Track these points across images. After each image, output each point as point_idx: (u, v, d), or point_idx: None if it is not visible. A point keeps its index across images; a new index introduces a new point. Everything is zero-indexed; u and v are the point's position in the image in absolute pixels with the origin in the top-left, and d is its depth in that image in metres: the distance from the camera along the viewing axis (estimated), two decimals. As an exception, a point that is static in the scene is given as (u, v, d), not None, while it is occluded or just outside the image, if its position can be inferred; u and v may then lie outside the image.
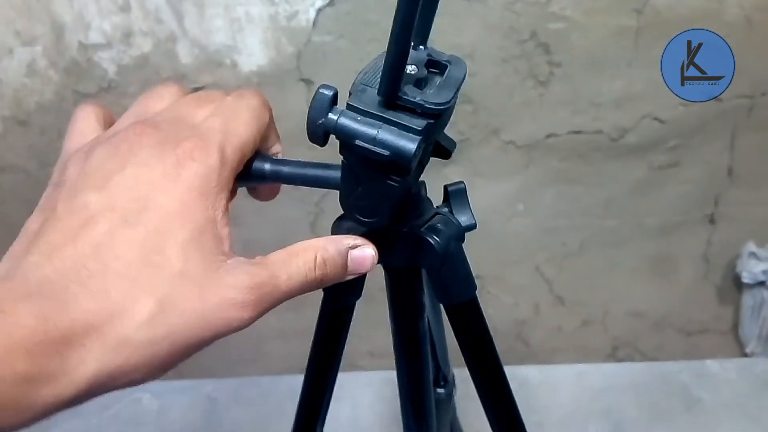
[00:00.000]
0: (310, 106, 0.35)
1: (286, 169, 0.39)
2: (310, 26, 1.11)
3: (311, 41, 1.12)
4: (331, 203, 1.24)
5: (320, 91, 0.35)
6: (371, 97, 0.34)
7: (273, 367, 1.39)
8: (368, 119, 0.34)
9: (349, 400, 1.24)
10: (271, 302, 0.31)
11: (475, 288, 0.47)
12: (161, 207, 0.29)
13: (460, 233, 0.45)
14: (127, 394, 1.30)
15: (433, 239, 0.42)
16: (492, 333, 0.50)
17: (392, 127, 0.34)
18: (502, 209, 1.27)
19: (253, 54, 1.14)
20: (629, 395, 1.30)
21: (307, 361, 0.56)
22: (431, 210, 0.45)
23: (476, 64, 1.12)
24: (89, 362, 0.25)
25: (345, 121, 0.34)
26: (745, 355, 1.35)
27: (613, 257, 1.30)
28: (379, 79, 0.34)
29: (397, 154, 0.33)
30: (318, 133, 0.35)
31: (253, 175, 0.39)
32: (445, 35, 1.09)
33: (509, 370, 0.51)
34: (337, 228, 0.45)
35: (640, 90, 1.12)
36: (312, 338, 0.54)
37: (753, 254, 1.22)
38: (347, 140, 0.34)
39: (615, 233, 1.27)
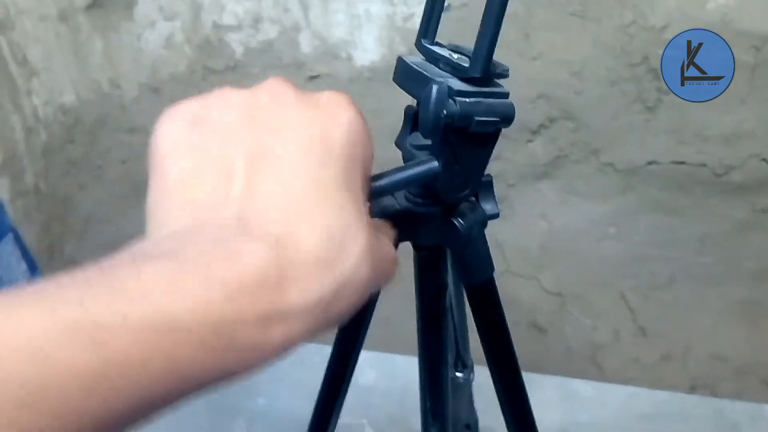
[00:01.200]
0: (430, 101, 0.38)
1: (384, 182, 0.38)
2: (424, 29, 1.15)
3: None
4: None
5: (435, 85, 0.38)
6: (460, 83, 0.39)
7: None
8: (475, 98, 0.39)
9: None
10: None
11: (493, 269, 0.51)
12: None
13: (483, 220, 0.49)
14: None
15: (459, 222, 0.46)
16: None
17: (491, 99, 0.39)
18: (593, 230, 1.26)
19: (368, 50, 1.20)
20: (677, 425, 1.27)
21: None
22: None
23: (583, 82, 1.12)
24: (311, 293, 0.24)
25: (465, 106, 0.38)
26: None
27: (702, 295, 1.26)
28: (438, 72, 0.40)
29: (504, 117, 0.39)
30: (440, 125, 0.39)
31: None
32: (556, 51, 1.11)
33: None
34: (374, 207, 0.47)
35: (750, 128, 1.09)
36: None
37: None
38: (468, 121, 0.39)
39: (708, 271, 1.24)
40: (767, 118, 1.07)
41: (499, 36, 0.39)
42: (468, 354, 0.78)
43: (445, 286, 0.53)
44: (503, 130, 0.41)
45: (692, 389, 1.36)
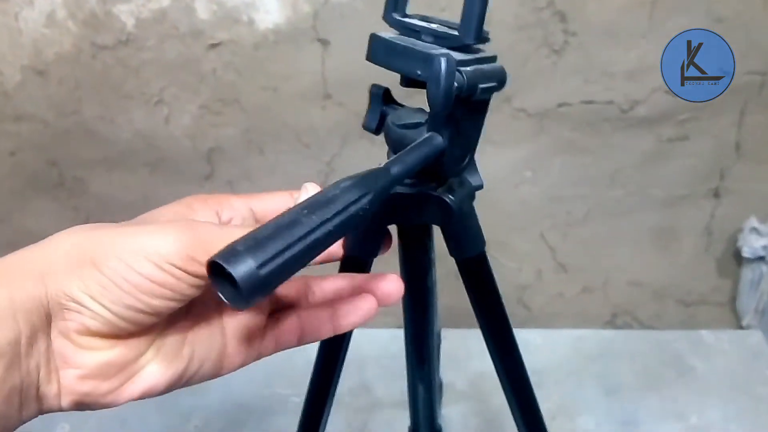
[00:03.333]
0: (441, 76, 0.37)
1: (398, 170, 0.36)
2: (328, -14, 1.12)
3: (329, 1, 1.13)
4: (343, 162, 1.27)
5: (442, 58, 0.37)
6: (457, 53, 0.39)
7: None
8: (473, 66, 0.39)
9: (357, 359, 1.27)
10: None
11: (484, 243, 0.50)
12: None
13: (471, 192, 0.47)
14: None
15: (449, 198, 0.45)
16: None
17: (485, 64, 0.40)
18: (510, 176, 1.29)
19: (270, 12, 1.15)
20: (624, 361, 1.34)
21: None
22: None
23: (492, 30, 1.12)
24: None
25: (470, 75, 0.38)
26: (741, 327, 1.38)
27: (616, 227, 1.32)
28: (428, 45, 0.40)
29: (501, 80, 0.41)
30: (451, 99, 0.37)
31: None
32: (459, 2, 1.10)
33: (515, 332, 0.54)
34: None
35: (653, 62, 1.13)
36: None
37: (755, 229, 1.24)
38: (473, 90, 0.38)
39: (620, 204, 1.29)
40: (667, 52, 1.12)
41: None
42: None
43: (432, 263, 0.52)
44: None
45: (614, 316, 1.43)
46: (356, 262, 0.51)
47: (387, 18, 0.42)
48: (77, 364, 0.31)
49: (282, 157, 1.29)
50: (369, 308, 0.38)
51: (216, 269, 0.27)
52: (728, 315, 1.40)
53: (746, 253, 1.26)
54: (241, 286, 0.26)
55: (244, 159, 1.30)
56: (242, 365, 0.37)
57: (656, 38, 1.10)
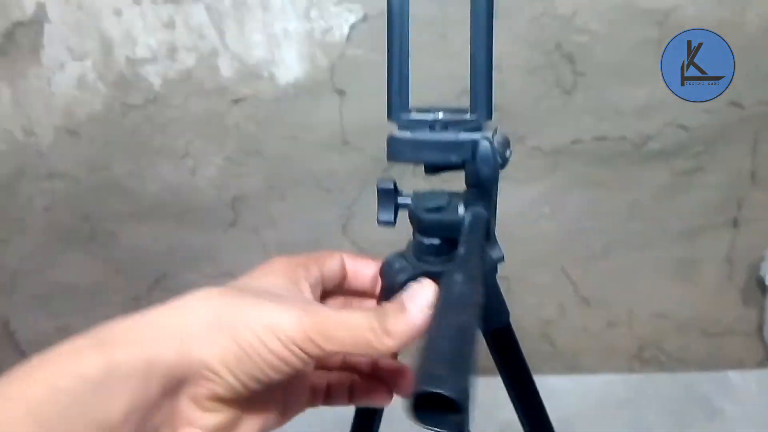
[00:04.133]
0: (490, 157, 0.42)
1: (469, 272, 0.37)
2: (344, 41, 1.17)
3: (345, 55, 1.18)
4: (362, 207, 1.30)
5: (485, 141, 0.42)
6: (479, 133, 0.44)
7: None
8: (495, 140, 0.43)
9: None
10: None
11: (509, 314, 0.52)
12: None
13: (494, 265, 0.49)
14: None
15: None
16: (517, 332, 0.55)
17: (497, 134, 0.44)
18: (529, 212, 1.31)
19: (290, 67, 1.20)
20: (653, 406, 1.34)
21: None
22: None
23: (503, 73, 1.16)
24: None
25: (501, 149, 0.43)
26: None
27: (637, 260, 1.33)
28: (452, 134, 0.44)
29: (509, 142, 0.45)
30: (498, 173, 0.43)
31: None
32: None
33: (538, 379, 0.55)
34: (391, 267, 0.49)
35: (662, 98, 1.16)
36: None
37: (776, 257, 1.25)
38: (505, 160, 0.43)
39: (639, 236, 1.31)
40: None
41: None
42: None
43: None
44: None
45: (640, 349, 1.43)
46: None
47: (395, 118, 0.44)
48: (199, 425, 0.34)
49: (303, 203, 1.32)
50: None
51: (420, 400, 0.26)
52: (755, 344, 1.39)
53: (769, 281, 1.27)
54: (462, 407, 0.25)
55: (266, 206, 1.34)
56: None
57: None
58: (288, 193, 1.32)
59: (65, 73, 1.25)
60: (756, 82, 1.14)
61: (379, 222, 0.48)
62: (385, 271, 0.48)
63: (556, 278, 1.38)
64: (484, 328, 0.52)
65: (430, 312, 0.34)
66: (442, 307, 0.31)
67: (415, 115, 0.45)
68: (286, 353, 0.32)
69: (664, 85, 1.15)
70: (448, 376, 0.26)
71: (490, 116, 0.45)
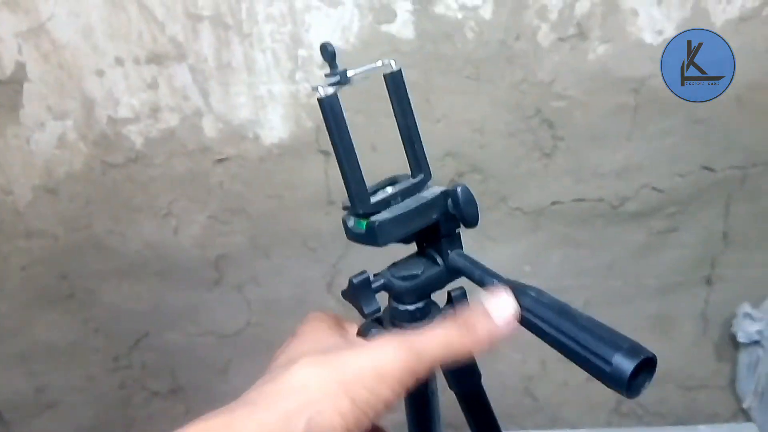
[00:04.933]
0: (472, 198, 0.47)
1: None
2: (329, 103, 1.18)
3: (330, 117, 1.19)
4: (347, 265, 1.30)
5: (459, 187, 0.46)
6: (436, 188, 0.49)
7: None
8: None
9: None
10: None
11: (480, 377, 0.54)
12: None
13: None
14: None
15: None
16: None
17: None
18: (511, 270, 1.33)
19: (275, 128, 1.21)
20: None
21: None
22: (439, 313, 0.52)
23: (485, 137, 1.19)
24: None
25: None
26: (742, 409, 1.41)
27: (616, 316, 1.36)
28: (420, 196, 0.48)
29: None
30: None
31: None
32: (456, 112, 1.17)
33: None
34: (366, 332, 0.51)
35: (638, 161, 1.19)
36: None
37: (748, 315, 1.28)
38: None
39: (617, 293, 1.33)
40: (651, 151, 1.18)
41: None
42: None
43: (434, 394, 0.56)
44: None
45: (619, 403, 1.45)
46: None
47: (357, 213, 0.46)
48: None
49: (288, 261, 1.33)
50: None
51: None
52: (729, 398, 1.42)
53: (741, 338, 1.30)
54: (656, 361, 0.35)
55: (251, 264, 1.33)
56: None
57: (640, 139, 1.17)
58: (273, 251, 1.32)
59: (45, 132, 1.24)
60: (727, 149, 1.18)
61: (367, 315, 0.50)
62: (361, 337, 0.51)
63: (536, 332, 1.40)
64: (457, 390, 0.54)
65: (512, 316, 0.39)
66: (557, 313, 0.40)
67: (375, 200, 0.47)
68: (394, 398, 0.34)
69: (639, 149, 1.19)
70: (636, 344, 0.34)
71: (430, 176, 0.49)
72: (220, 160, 1.24)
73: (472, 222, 0.47)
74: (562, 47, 1.11)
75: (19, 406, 1.46)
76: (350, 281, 0.49)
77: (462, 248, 0.50)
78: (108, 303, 1.37)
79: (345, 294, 0.49)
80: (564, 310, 0.42)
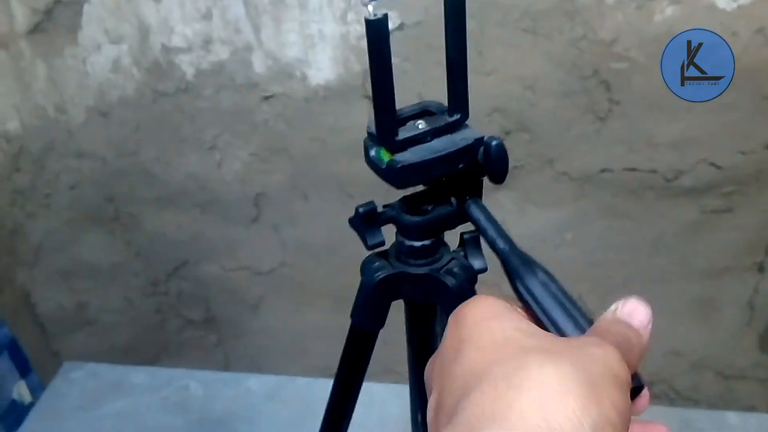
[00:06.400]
0: (504, 151, 0.44)
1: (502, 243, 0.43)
2: (378, 47, 1.15)
3: (379, 61, 1.16)
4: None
5: (494, 141, 0.44)
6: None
7: (313, 367, 1.44)
8: None
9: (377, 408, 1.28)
10: None
11: None
12: None
13: (473, 276, 0.50)
14: (175, 379, 1.38)
15: (450, 281, 0.48)
16: None
17: None
18: (551, 237, 1.29)
19: (323, 69, 1.19)
20: None
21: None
22: (449, 254, 0.50)
23: (537, 95, 1.14)
24: None
25: None
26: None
27: (657, 295, 1.31)
28: (452, 138, 0.46)
29: None
30: None
31: None
32: (509, 66, 1.12)
33: None
34: (370, 265, 0.50)
35: (697, 134, 1.13)
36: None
37: (800, 307, 1.22)
38: None
39: (661, 272, 1.28)
40: (713, 125, 1.11)
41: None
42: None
43: (435, 335, 0.54)
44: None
45: (650, 384, 1.41)
46: (362, 332, 0.54)
47: (388, 146, 0.44)
48: None
49: (325, 206, 1.32)
50: None
51: None
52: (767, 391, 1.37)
53: (790, 330, 1.24)
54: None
55: (289, 205, 1.34)
56: None
57: (701, 111, 1.10)
58: (311, 194, 1.31)
59: (101, 55, 1.25)
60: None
61: (370, 246, 0.49)
62: (364, 269, 0.50)
63: (572, 304, 1.36)
64: None
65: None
66: (560, 303, 0.36)
67: (406, 135, 0.45)
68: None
69: (700, 121, 1.12)
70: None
71: (467, 116, 0.46)
72: (267, 98, 1.23)
73: (498, 179, 0.45)
74: (627, 5, 1.05)
75: (60, 320, 1.52)
76: (356, 210, 0.48)
77: (481, 198, 0.48)
78: (150, 229, 1.40)
79: (351, 222, 0.48)
80: (565, 305, 0.37)
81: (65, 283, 1.48)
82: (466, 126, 0.46)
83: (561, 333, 0.36)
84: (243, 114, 1.26)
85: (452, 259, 0.50)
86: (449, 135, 0.45)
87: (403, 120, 0.46)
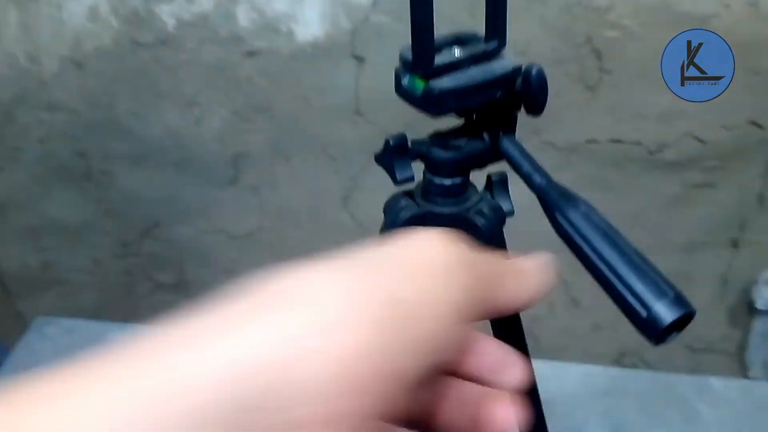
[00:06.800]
0: (544, 79, 0.44)
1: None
2: (370, 5, 1.13)
3: (369, 20, 1.14)
4: (366, 180, 1.27)
5: (535, 67, 0.44)
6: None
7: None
8: None
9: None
10: None
11: None
12: None
13: (502, 217, 0.49)
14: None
15: (480, 222, 0.46)
16: None
17: None
18: (532, 207, 1.29)
19: (310, 25, 1.16)
20: (631, 400, 1.33)
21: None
22: (477, 195, 0.49)
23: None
24: None
25: None
26: (746, 377, 1.38)
27: (633, 267, 1.32)
28: (492, 66, 0.45)
29: None
30: None
31: None
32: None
33: None
34: (395, 204, 0.48)
35: (685, 107, 1.14)
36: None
37: (770, 282, 1.25)
38: None
39: (639, 244, 1.29)
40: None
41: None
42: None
43: None
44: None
45: (621, 355, 1.43)
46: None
47: (425, 70, 0.42)
48: None
49: (307, 168, 1.30)
50: None
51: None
52: (735, 365, 1.40)
53: (759, 304, 1.26)
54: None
55: (269, 166, 1.31)
56: None
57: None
58: (292, 155, 1.29)
59: (78, 2, 1.20)
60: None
61: (399, 181, 0.48)
62: (388, 210, 0.48)
63: (549, 275, 1.37)
64: None
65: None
66: (604, 238, 0.35)
67: (443, 62, 0.43)
68: None
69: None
70: (681, 296, 0.31)
71: (505, 43, 0.45)
72: (251, 53, 1.20)
73: (537, 110, 0.44)
74: (623, -27, 1.05)
75: (25, 279, 1.47)
76: (386, 141, 0.46)
77: (514, 134, 0.47)
78: (122, 187, 1.36)
79: (378, 158, 0.46)
80: (612, 237, 0.37)
81: (31, 242, 1.42)
82: (503, 55, 0.44)
83: (608, 264, 0.35)
84: (225, 69, 1.22)
85: (481, 199, 0.49)
86: (486, 62, 0.43)
87: (438, 48, 0.44)
